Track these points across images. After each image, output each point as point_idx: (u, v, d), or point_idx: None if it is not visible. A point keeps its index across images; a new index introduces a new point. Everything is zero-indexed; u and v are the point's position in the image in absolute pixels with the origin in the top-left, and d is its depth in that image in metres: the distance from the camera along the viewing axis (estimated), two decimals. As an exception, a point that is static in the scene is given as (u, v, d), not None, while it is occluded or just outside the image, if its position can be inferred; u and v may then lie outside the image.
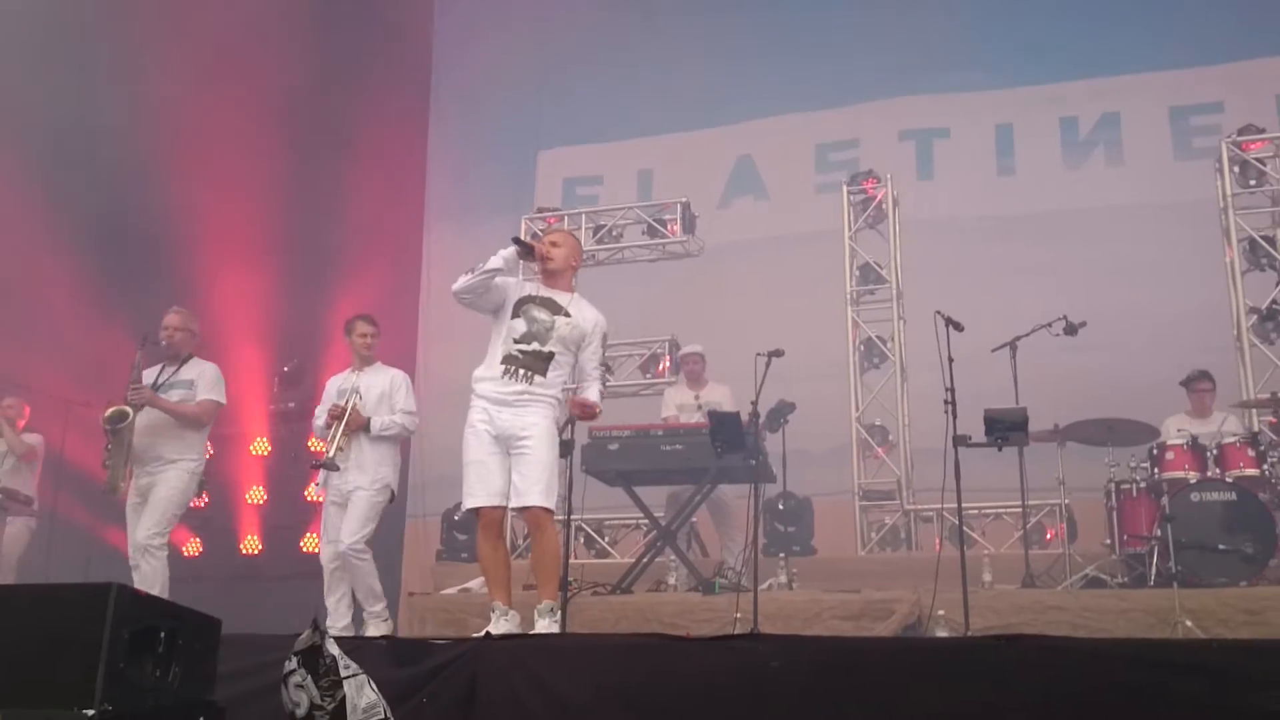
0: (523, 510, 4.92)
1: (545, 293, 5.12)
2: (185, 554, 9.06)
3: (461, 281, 5.02)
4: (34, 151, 9.17)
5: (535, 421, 4.89)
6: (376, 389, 6.40)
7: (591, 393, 5.05)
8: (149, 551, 5.96)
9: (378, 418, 6.29)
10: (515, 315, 5.03)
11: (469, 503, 4.97)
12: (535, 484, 4.83)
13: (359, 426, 6.24)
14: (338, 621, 6.16)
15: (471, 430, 4.98)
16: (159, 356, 6.37)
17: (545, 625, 4.82)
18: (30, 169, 9.09)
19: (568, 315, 5.03)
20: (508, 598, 4.99)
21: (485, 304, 5.10)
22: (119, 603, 3.11)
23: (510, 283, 5.18)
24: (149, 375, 6.27)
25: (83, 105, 9.61)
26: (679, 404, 8.24)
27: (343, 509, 6.21)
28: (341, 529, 6.14)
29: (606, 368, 5.07)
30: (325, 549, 6.36)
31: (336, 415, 6.21)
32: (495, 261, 4.98)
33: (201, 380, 6.31)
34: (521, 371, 4.92)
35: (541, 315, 5.01)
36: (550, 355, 4.96)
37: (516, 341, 4.97)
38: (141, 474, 6.13)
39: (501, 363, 4.97)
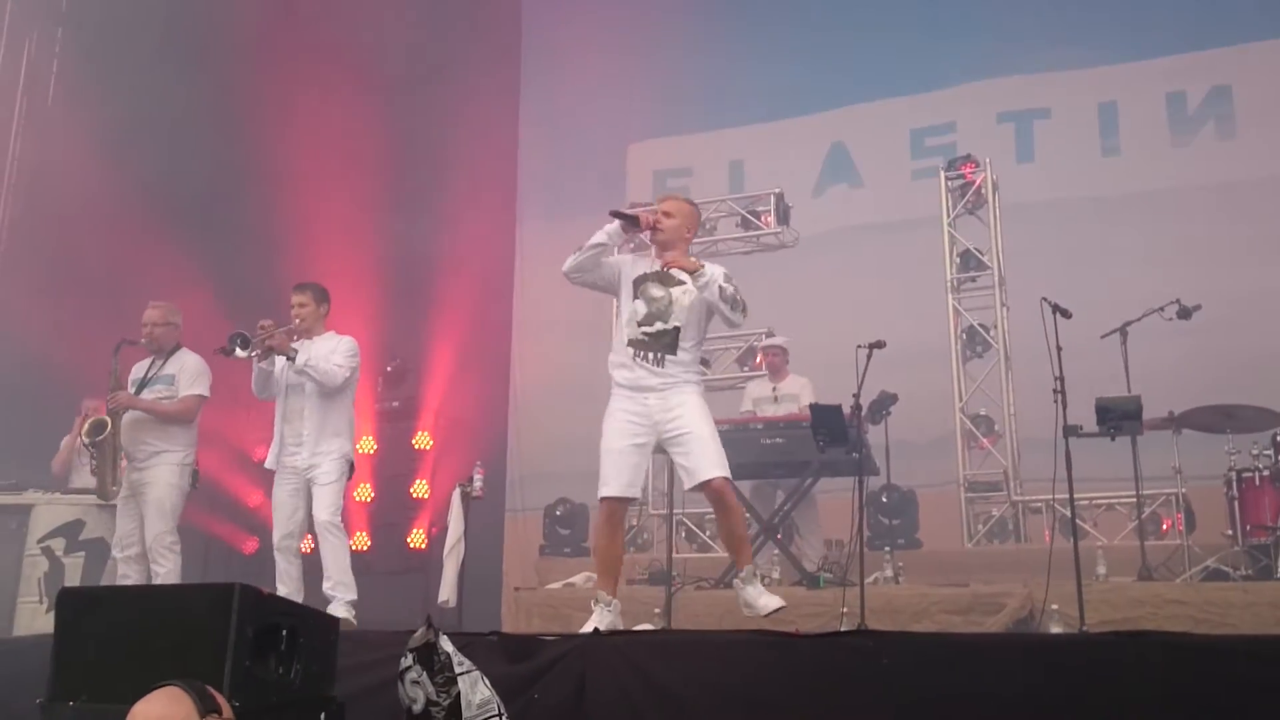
0: (702, 487, 4.79)
1: (659, 266, 4.98)
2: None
3: (570, 260, 4.94)
4: (135, 154, 9.44)
5: (682, 401, 4.80)
6: (320, 357, 6.09)
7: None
8: (168, 550, 6.08)
9: (305, 355, 6.00)
10: (635, 296, 4.93)
11: (602, 491, 4.86)
12: (702, 459, 4.75)
13: (281, 348, 5.97)
14: None
15: (610, 418, 4.90)
16: (146, 352, 6.41)
17: (754, 592, 4.81)
18: (131, 171, 9.37)
19: (682, 283, 4.89)
20: (614, 588, 4.95)
21: (599, 283, 5.02)
22: (243, 602, 3.21)
23: (624, 260, 5.07)
24: (139, 370, 6.36)
25: (182, 101, 9.84)
26: (755, 397, 8.22)
27: (298, 492, 6.01)
28: (315, 508, 5.95)
29: (733, 305, 4.84)
30: (278, 529, 6.05)
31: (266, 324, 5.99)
32: (599, 236, 4.90)
33: (183, 375, 6.29)
34: (650, 355, 4.83)
35: (658, 292, 4.90)
36: (676, 330, 4.85)
37: (640, 324, 4.88)
38: (131, 469, 6.18)
39: (629, 346, 4.88)
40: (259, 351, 5.97)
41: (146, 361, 6.42)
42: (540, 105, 11.57)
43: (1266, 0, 9.12)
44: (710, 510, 8.43)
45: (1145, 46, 9.50)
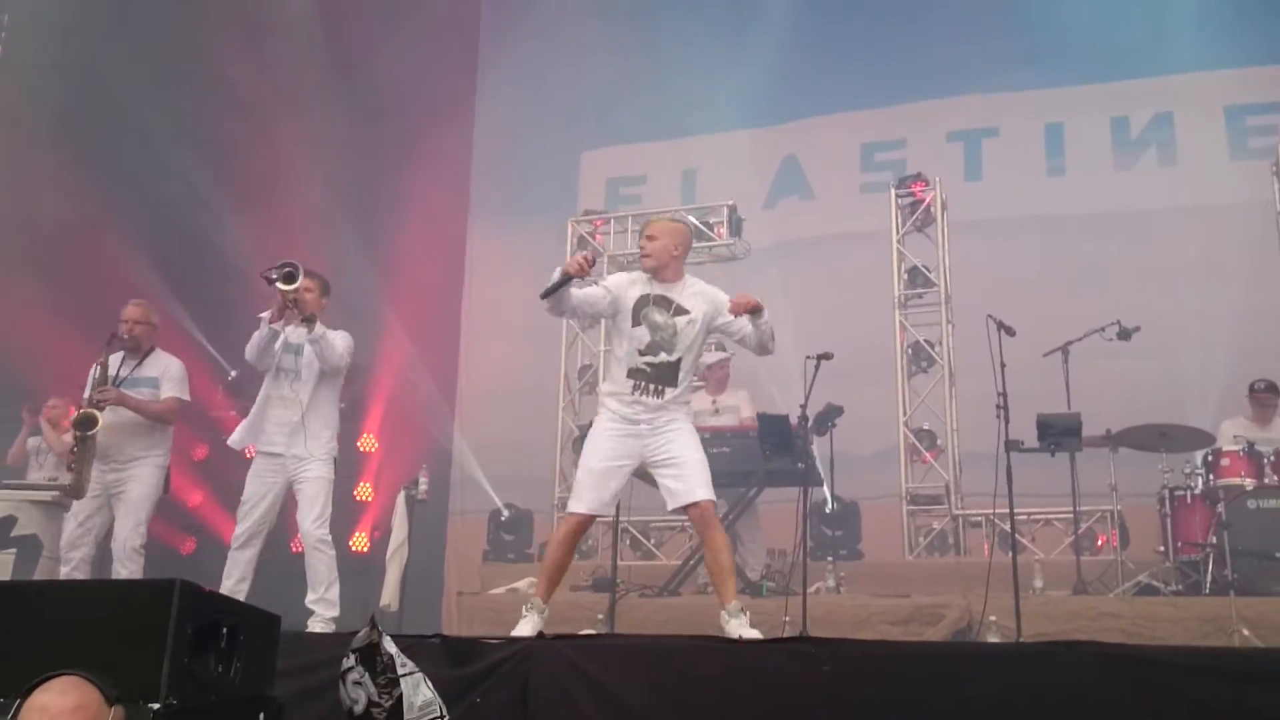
0: (689, 508, 4.69)
1: (658, 289, 4.79)
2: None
3: (545, 301, 4.72)
4: (85, 155, 9.31)
5: (678, 427, 4.74)
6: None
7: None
8: (135, 553, 5.94)
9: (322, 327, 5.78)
10: (636, 323, 4.74)
11: (572, 505, 4.79)
12: (693, 481, 4.66)
13: (308, 308, 5.69)
14: None
15: (595, 438, 4.80)
16: (119, 349, 6.21)
17: (737, 625, 4.60)
18: (81, 172, 9.22)
19: (686, 312, 4.75)
20: (548, 596, 4.85)
21: (578, 315, 4.91)
22: (183, 598, 3.14)
23: (621, 282, 4.87)
24: (110, 370, 6.12)
25: (135, 99, 9.70)
26: (695, 410, 8.19)
27: (277, 481, 5.77)
28: (302, 515, 5.75)
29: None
30: (242, 521, 5.79)
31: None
32: (555, 275, 4.66)
33: (166, 377, 6.16)
34: (652, 387, 4.71)
35: (661, 319, 4.73)
36: (678, 362, 4.74)
37: (642, 353, 4.71)
38: (107, 470, 5.99)
39: (629, 377, 4.73)
40: (291, 298, 5.64)
41: (117, 359, 6.15)
42: (495, 111, 11.55)
43: (1208, 31, 9.35)
44: (654, 518, 8.52)
45: (1092, 71, 9.71)
